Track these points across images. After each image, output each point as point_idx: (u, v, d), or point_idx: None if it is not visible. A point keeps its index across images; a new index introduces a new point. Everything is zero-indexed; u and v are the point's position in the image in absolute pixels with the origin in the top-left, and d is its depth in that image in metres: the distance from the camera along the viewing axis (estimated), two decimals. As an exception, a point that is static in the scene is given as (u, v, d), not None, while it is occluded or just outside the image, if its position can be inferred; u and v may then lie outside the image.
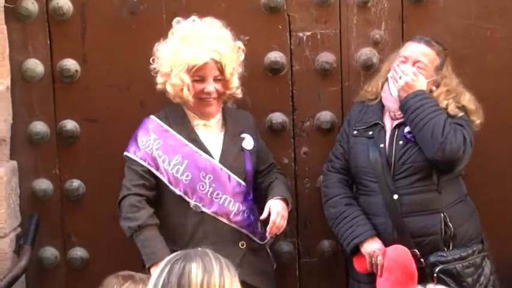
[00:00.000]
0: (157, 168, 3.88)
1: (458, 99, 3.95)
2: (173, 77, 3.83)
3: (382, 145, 3.92)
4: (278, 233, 3.93)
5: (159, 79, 3.91)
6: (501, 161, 4.34)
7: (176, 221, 3.90)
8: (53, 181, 4.35)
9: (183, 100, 3.88)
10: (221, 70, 3.84)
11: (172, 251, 3.80)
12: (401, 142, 3.89)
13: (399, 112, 3.91)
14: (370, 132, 3.96)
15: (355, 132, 4.00)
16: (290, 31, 4.26)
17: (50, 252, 4.38)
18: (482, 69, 4.27)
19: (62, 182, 4.35)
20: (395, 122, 3.95)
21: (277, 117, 4.28)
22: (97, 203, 4.33)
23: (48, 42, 4.27)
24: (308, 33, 4.26)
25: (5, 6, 4.14)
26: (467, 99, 3.96)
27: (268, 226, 3.85)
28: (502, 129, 4.31)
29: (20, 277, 4.09)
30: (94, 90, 4.30)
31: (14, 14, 4.20)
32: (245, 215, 3.94)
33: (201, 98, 3.87)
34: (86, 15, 4.26)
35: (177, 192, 3.88)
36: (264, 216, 3.87)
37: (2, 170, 4.11)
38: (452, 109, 3.90)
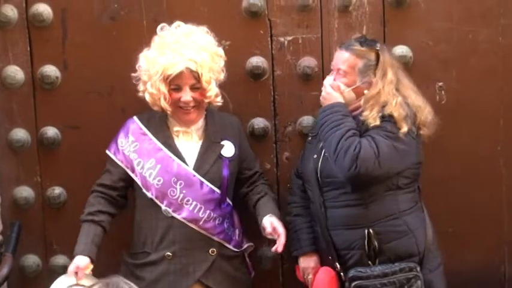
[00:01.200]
0: (133, 170, 3.92)
1: (387, 105, 3.76)
2: (149, 87, 3.83)
3: (315, 156, 3.91)
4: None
5: (140, 87, 3.92)
6: (487, 163, 4.32)
7: (148, 224, 3.92)
8: (34, 189, 4.33)
9: (162, 109, 3.88)
10: (198, 79, 3.82)
11: (143, 253, 3.91)
12: (326, 154, 3.85)
13: None
14: (315, 141, 3.97)
15: (309, 138, 4.04)
16: (271, 36, 4.25)
17: (31, 260, 4.36)
18: (465, 72, 4.26)
19: (44, 190, 4.34)
20: None
21: (259, 122, 4.27)
22: (79, 211, 4.23)
23: (28, 48, 4.25)
24: (289, 38, 4.25)
25: (-16, 13, 4.13)
26: (396, 104, 3.75)
27: (282, 241, 3.81)
28: (486, 131, 4.30)
29: (1, 285, 4.05)
30: (75, 96, 4.28)
31: (-7, 21, 4.19)
32: (217, 222, 3.92)
33: (179, 106, 3.86)
34: (66, 21, 4.24)
35: (149, 195, 3.89)
36: (269, 231, 3.84)
37: (-17, 178, 4.10)
38: (372, 117, 3.73)
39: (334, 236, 3.82)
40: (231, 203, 4.01)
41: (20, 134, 4.27)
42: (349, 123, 3.74)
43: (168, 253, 3.87)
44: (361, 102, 3.83)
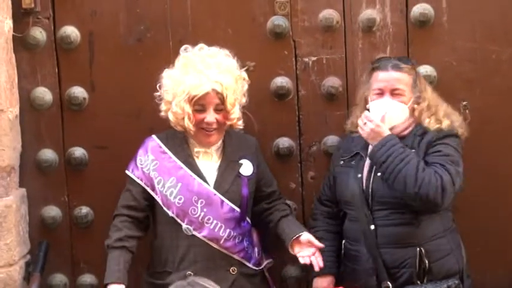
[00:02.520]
0: (153, 189, 3.93)
1: (437, 114, 3.91)
2: (174, 106, 3.84)
3: (359, 175, 3.91)
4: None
5: (163, 106, 3.93)
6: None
7: (168, 242, 3.93)
8: (61, 208, 4.38)
9: (184, 129, 3.90)
10: (222, 100, 3.84)
11: (164, 273, 3.90)
12: (379, 174, 3.85)
13: None
14: (353, 162, 3.97)
15: (341, 162, 4.02)
16: (296, 56, 4.29)
17: (59, 279, 4.40)
18: (489, 91, 4.26)
19: (71, 209, 4.38)
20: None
21: (284, 142, 4.30)
22: (106, 230, 4.27)
23: (56, 70, 4.32)
24: (314, 58, 4.28)
25: (13, 35, 4.18)
26: (447, 110, 3.93)
27: (319, 257, 3.83)
28: (511, 149, 4.29)
29: (30, 304, 4.11)
30: (102, 117, 4.34)
31: (22, 43, 4.26)
32: (237, 240, 3.94)
33: (201, 127, 3.88)
34: (94, 43, 4.30)
35: (170, 214, 3.91)
36: (320, 246, 3.85)
37: (11, 197, 4.13)
38: (432, 124, 3.87)
39: (385, 254, 3.83)
40: (250, 221, 4.03)
41: (48, 154, 4.33)
42: (412, 154, 3.78)
43: (189, 272, 3.86)
44: (414, 117, 3.90)
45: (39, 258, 4.20)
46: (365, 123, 3.83)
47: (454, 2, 4.23)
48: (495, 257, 4.30)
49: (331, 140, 4.29)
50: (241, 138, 4.08)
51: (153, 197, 3.95)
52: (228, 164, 3.97)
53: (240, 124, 3.97)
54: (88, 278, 4.40)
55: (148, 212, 3.99)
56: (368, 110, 3.91)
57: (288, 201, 4.21)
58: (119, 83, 4.32)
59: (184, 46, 3.98)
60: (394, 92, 3.87)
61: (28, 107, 4.30)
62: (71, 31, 4.27)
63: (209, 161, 3.97)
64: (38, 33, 4.26)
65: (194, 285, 2.99)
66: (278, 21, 4.23)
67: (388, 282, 3.82)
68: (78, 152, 4.34)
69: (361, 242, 3.90)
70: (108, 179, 4.32)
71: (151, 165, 3.94)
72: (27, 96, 4.29)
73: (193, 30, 4.27)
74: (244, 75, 3.95)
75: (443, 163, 3.78)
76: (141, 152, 3.99)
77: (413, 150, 3.82)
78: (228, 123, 3.92)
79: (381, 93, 3.89)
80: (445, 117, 3.90)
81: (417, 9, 4.21)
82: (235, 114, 3.91)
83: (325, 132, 4.31)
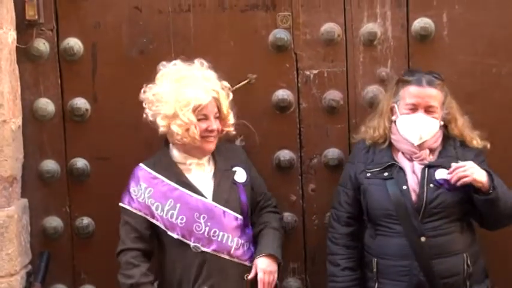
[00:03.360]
0: (153, 216, 3.92)
1: (468, 129, 4.00)
2: (181, 117, 3.84)
3: (405, 187, 3.87)
4: None
5: (161, 122, 3.90)
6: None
7: (179, 265, 3.92)
8: (63, 219, 4.39)
9: (189, 140, 3.89)
10: (219, 108, 3.91)
11: None
12: (431, 185, 3.86)
13: (416, 154, 3.91)
14: (386, 174, 3.92)
15: (369, 174, 3.95)
16: (297, 69, 4.31)
17: (60, 289, 4.41)
18: (489, 106, 4.28)
19: (72, 220, 4.39)
20: (421, 164, 3.91)
21: (285, 154, 4.31)
22: (107, 241, 4.33)
23: (59, 81, 4.34)
24: (315, 72, 4.30)
25: (17, 47, 4.22)
26: (469, 128, 4.02)
27: (259, 286, 3.88)
28: (511, 164, 4.30)
29: (30, 315, 4.13)
30: (104, 128, 4.36)
31: (25, 54, 4.28)
32: (245, 248, 3.95)
33: (203, 136, 3.90)
34: (96, 55, 4.33)
35: (175, 236, 3.90)
36: (251, 276, 3.90)
37: (13, 208, 4.14)
38: (478, 143, 3.98)
39: (437, 265, 3.83)
40: (251, 227, 4.04)
41: (50, 165, 4.35)
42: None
43: None
44: (442, 130, 3.95)
45: (40, 269, 4.22)
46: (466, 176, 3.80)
47: (454, 16, 4.25)
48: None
49: (332, 152, 4.31)
50: (228, 147, 4.11)
51: (154, 226, 3.93)
52: (223, 174, 3.99)
53: (232, 130, 4.01)
54: (89, 289, 4.41)
55: (152, 242, 3.97)
56: (394, 122, 3.94)
57: (287, 213, 4.26)
58: (121, 94, 4.33)
59: (162, 63, 4.02)
60: (428, 109, 3.89)
61: (31, 118, 4.32)
62: (74, 43, 4.30)
63: (202, 172, 3.98)
64: (42, 45, 4.29)
65: None
66: (280, 34, 4.26)
67: None
68: (80, 163, 4.36)
69: (409, 256, 3.85)
70: (110, 190, 4.31)
71: (146, 193, 3.94)
72: (30, 107, 4.31)
73: (195, 43, 4.30)
74: (227, 84, 3.99)
75: (494, 174, 3.88)
76: (132, 183, 3.98)
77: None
78: (226, 129, 3.97)
79: (415, 108, 3.89)
80: (472, 133, 4.00)
81: (418, 24, 4.23)
82: (231, 120, 3.97)
83: (326, 145, 4.33)
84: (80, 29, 4.31)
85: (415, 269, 3.84)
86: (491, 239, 4.17)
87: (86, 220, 4.38)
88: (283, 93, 4.29)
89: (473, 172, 3.78)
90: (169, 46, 4.31)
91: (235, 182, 3.99)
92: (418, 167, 3.91)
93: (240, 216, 3.95)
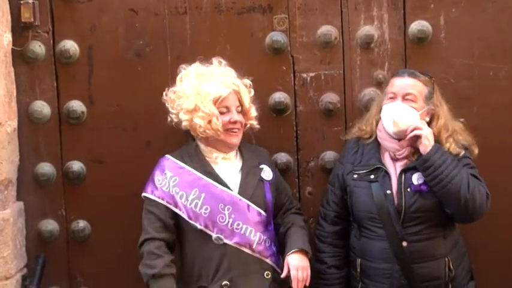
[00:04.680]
0: (176, 205, 3.90)
1: (456, 136, 3.95)
2: (202, 109, 3.86)
3: (388, 191, 3.89)
4: (307, 285, 3.91)
5: (183, 116, 3.92)
6: (509, 199, 4.33)
7: (200, 257, 3.90)
8: (59, 222, 4.37)
9: (212, 133, 3.89)
10: (241, 101, 3.94)
11: None
12: (409, 190, 3.87)
13: (399, 152, 3.92)
14: (372, 176, 3.94)
15: (355, 175, 3.99)
16: (294, 72, 4.31)
17: (55, 292, 4.39)
18: (486, 108, 4.28)
19: (68, 223, 4.38)
20: (399, 167, 3.93)
21: (282, 157, 4.30)
22: (103, 244, 4.35)
23: (55, 84, 4.32)
24: (312, 74, 4.30)
25: (12, 49, 4.20)
26: (462, 133, 3.98)
27: (293, 284, 3.85)
28: (507, 167, 4.32)
29: (26, 318, 4.11)
30: (100, 131, 4.34)
31: (21, 57, 4.27)
32: (267, 244, 3.94)
33: (226, 129, 3.91)
34: (92, 58, 4.31)
35: (198, 226, 3.87)
36: (284, 274, 3.87)
37: (9, 211, 4.13)
38: (454, 148, 3.90)
39: (418, 269, 3.85)
40: (273, 226, 4.03)
41: (45, 168, 4.33)
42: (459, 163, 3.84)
43: (226, 282, 3.84)
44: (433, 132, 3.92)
45: (35, 272, 4.20)
46: (417, 127, 3.83)
47: (452, 19, 4.25)
48: (490, 277, 4.31)
49: (329, 155, 4.30)
50: (254, 148, 4.15)
51: (177, 217, 3.90)
52: (250, 170, 3.99)
53: (256, 124, 4.03)
54: (84, 292, 4.40)
55: (175, 232, 3.94)
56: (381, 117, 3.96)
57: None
58: (117, 97, 4.33)
59: (181, 66, 4.04)
60: (406, 97, 3.90)
61: (26, 121, 4.31)
62: (70, 45, 4.28)
63: (228, 165, 3.98)
64: (37, 47, 4.28)
65: None
66: (276, 36, 4.26)
67: None
68: (76, 165, 4.34)
69: (391, 259, 3.88)
70: (106, 193, 4.33)
71: (171, 181, 3.92)
72: (25, 109, 4.30)
73: (191, 45, 4.29)
74: (249, 81, 4.03)
75: (477, 175, 3.86)
76: (157, 172, 3.97)
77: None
78: (249, 122, 3.99)
79: (394, 97, 3.92)
80: (464, 140, 3.96)
81: (415, 26, 4.23)
82: (254, 113, 3.99)
83: (323, 148, 4.32)
84: (76, 31, 4.30)
85: (396, 273, 3.88)
86: (478, 242, 4.21)
87: (81, 223, 4.36)
88: (279, 96, 4.28)
89: (427, 133, 3.81)
90: (165, 49, 4.30)
91: (262, 179, 3.99)
92: (399, 171, 3.93)
93: (263, 213, 3.94)
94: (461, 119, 4.16)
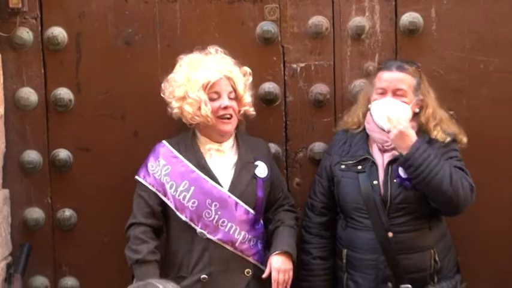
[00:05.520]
0: (165, 194, 3.89)
1: (443, 124, 3.95)
2: (190, 95, 3.84)
3: (375, 182, 3.89)
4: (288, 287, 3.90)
5: (175, 104, 3.91)
6: (498, 192, 4.32)
7: (183, 247, 3.90)
8: (45, 210, 4.33)
9: (202, 119, 3.87)
10: (234, 88, 3.90)
11: (179, 278, 3.85)
12: (395, 181, 3.87)
13: (387, 143, 3.90)
14: (360, 167, 3.94)
15: (343, 166, 3.98)
16: (284, 62, 4.28)
17: (40, 281, 4.36)
18: (476, 101, 4.27)
19: (54, 211, 4.34)
20: (387, 158, 3.92)
21: (271, 147, 4.26)
22: (89, 233, 4.32)
23: (43, 71, 4.29)
24: (302, 65, 4.28)
25: (0, 35, 4.16)
26: (447, 122, 3.97)
27: (273, 286, 3.84)
28: (497, 160, 4.30)
29: (10, 306, 4.07)
30: (88, 119, 4.31)
31: (8, 43, 4.23)
32: (252, 243, 3.93)
33: (218, 116, 3.88)
34: (81, 45, 4.27)
35: (183, 218, 3.87)
36: (265, 275, 3.87)
37: (-6, 198, 4.10)
38: (441, 136, 3.91)
39: (404, 260, 3.85)
40: (263, 224, 4.01)
41: (32, 155, 4.29)
42: (441, 158, 3.82)
43: (204, 276, 3.84)
44: (420, 122, 3.92)
45: (20, 260, 4.17)
46: (394, 126, 3.81)
47: (443, 11, 4.23)
48: (477, 269, 4.30)
49: (318, 146, 4.28)
50: (254, 140, 4.10)
51: (166, 204, 3.90)
52: (244, 166, 3.96)
53: (252, 111, 4.00)
54: (70, 281, 4.35)
55: (162, 218, 3.94)
56: (370, 110, 3.93)
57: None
58: (105, 85, 4.29)
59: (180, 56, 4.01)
60: (396, 92, 3.88)
61: (13, 108, 4.27)
62: (59, 32, 4.24)
63: (222, 159, 3.95)
64: (25, 34, 4.23)
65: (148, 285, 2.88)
66: (267, 26, 4.23)
67: (409, 286, 3.85)
68: (63, 153, 4.30)
69: (376, 250, 3.87)
70: (93, 181, 4.31)
71: (163, 170, 3.91)
72: (12, 96, 4.26)
73: (181, 34, 4.26)
74: (247, 69, 4.00)
75: (463, 168, 3.86)
76: (151, 158, 3.95)
77: None
78: (242, 109, 3.95)
79: (384, 92, 3.90)
80: (450, 129, 3.95)
81: (406, 18, 4.21)
82: (247, 100, 3.95)
83: (312, 138, 4.30)
84: (65, 18, 4.26)
85: (381, 264, 3.88)
86: (465, 235, 4.20)
87: (68, 212, 4.33)
88: (269, 86, 4.26)
89: (397, 133, 3.79)
90: (155, 37, 4.27)
91: (255, 176, 3.96)
92: (386, 162, 3.92)
93: (252, 211, 3.92)
94: (451, 112, 4.15)
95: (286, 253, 3.88)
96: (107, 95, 4.29)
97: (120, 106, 4.30)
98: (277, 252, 3.88)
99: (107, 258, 4.28)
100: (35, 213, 4.32)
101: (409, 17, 4.21)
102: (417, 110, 3.93)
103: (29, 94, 4.26)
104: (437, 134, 3.90)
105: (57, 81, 4.29)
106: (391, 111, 3.85)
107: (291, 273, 3.88)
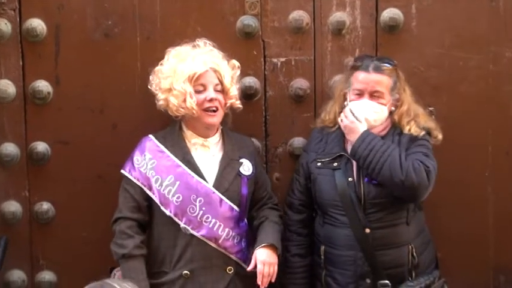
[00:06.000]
0: (150, 188, 3.88)
1: (418, 119, 3.96)
2: (175, 87, 3.83)
3: (350, 178, 3.91)
4: (273, 281, 3.89)
5: (161, 96, 3.89)
6: (475, 189, 4.34)
7: (166, 242, 3.88)
8: (22, 203, 4.31)
9: (187, 111, 3.85)
10: (220, 80, 3.88)
11: (161, 273, 3.87)
12: (366, 179, 3.90)
13: None
14: (335, 164, 3.95)
15: (319, 164, 3.99)
16: (265, 57, 4.28)
17: (17, 275, 4.33)
18: (455, 98, 4.29)
19: (32, 205, 4.31)
20: None
21: (251, 142, 4.27)
22: (66, 227, 4.30)
23: (21, 63, 4.25)
24: (282, 60, 4.27)
25: (-23, 27, 4.13)
26: (423, 117, 3.98)
27: (258, 278, 3.83)
28: (474, 157, 4.32)
29: (-14, 300, 4.04)
30: (66, 112, 4.28)
31: (-14, 34, 4.18)
32: (235, 240, 3.92)
33: (203, 108, 3.86)
34: (60, 37, 4.24)
35: (168, 213, 3.85)
36: (250, 267, 3.86)
37: (-29, 191, 4.08)
38: (415, 130, 3.92)
39: (381, 257, 3.86)
40: (247, 222, 4.01)
41: (9, 148, 4.25)
42: (392, 145, 3.84)
43: (186, 272, 3.84)
44: (394, 120, 3.94)
45: (-3, 254, 4.14)
46: (341, 120, 3.86)
47: (423, 8, 4.24)
48: (455, 264, 4.32)
49: (298, 141, 4.28)
50: (240, 138, 4.09)
51: (151, 198, 3.88)
52: (229, 163, 3.95)
53: (238, 104, 3.98)
54: (47, 275, 4.33)
55: (148, 212, 3.92)
56: (345, 107, 3.93)
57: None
58: (84, 78, 4.26)
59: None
60: (373, 94, 3.89)
61: (-10, 100, 4.23)
62: (37, 24, 4.20)
63: (207, 154, 3.94)
64: (3, 25, 4.19)
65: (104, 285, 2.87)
66: (248, 21, 4.22)
67: (387, 281, 3.85)
68: (41, 146, 4.27)
69: (354, 246, 3.88)
70: (71, 174, 4.28)
71: (149, 164, 3.88)
72: (-11, 88, 4.21)
73: (161, 26, 4.23)
74: (236, 62, 3.99)
75: (424, 152, 3.86)
76: (137, 152, 3.93)
77: None
78: (229, 102, 3.93)
79: (361, 94, 3.90)
80: (426, 124, 3.96)
81: (387, 14, 4.22)
82: (234, 92, 3.93)
83: (292, 133, 4.30)
84: (44, 10, 4.22)
85: (359, 260, 3.89)
86: (444, 231, 4.24)
87: (45, 205, 4.30)
88: (249, 81, 4.25)
89: (343, 127, 3.87)
90: (134, 29, 4.24)
91: (240, 174, 3.95)
92: None
93: (236, 208, 3.92)
94: (430, 108, 4.17)
95: (271, 246, 3.88)
96: (85, 87, 4.26)
97: (99, 99, 4.28)
98: (262, 245, 3.87)
99: (84, 252, 4.26)
100: (12, 206, 4.28)
101: (389, 13, 4.22)
102: (393, 108, 3.95)
103: (7, 86, 4.22)
104: (411, 128, 3.92)
105: (35, 73, 4.25)
106: (369, 113, 3.88)
107: (276, 267, 3.88)
